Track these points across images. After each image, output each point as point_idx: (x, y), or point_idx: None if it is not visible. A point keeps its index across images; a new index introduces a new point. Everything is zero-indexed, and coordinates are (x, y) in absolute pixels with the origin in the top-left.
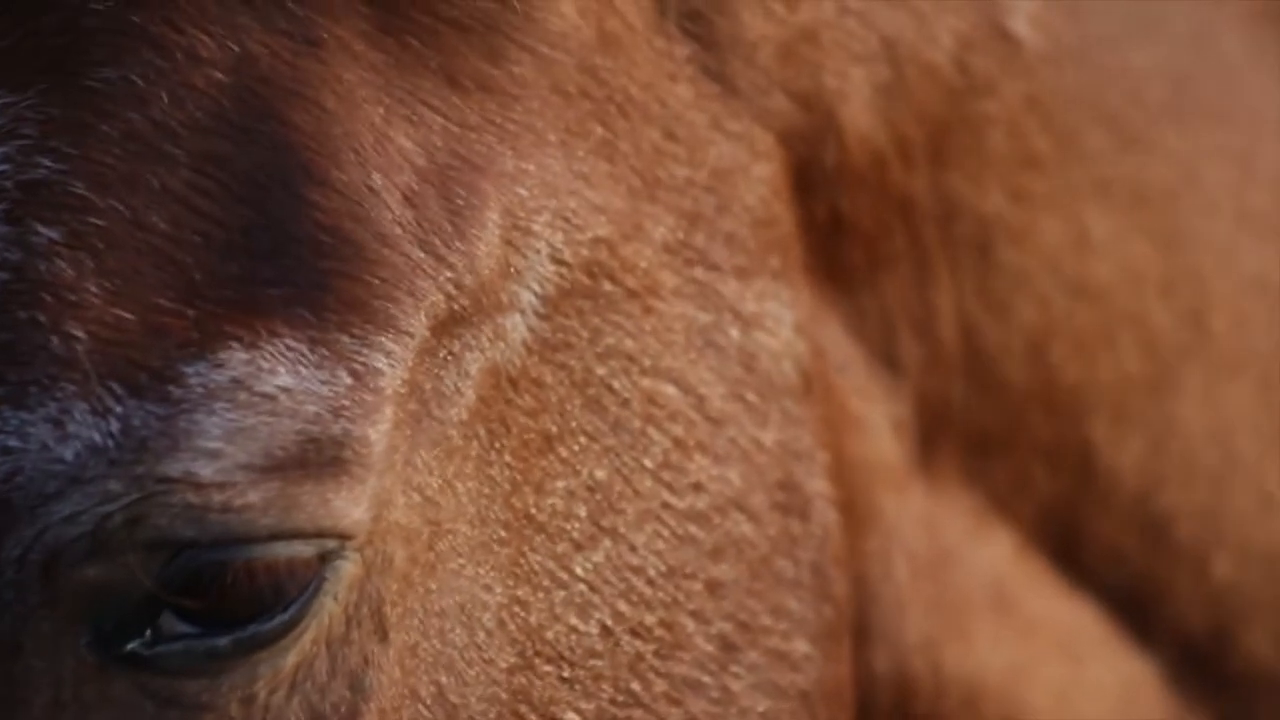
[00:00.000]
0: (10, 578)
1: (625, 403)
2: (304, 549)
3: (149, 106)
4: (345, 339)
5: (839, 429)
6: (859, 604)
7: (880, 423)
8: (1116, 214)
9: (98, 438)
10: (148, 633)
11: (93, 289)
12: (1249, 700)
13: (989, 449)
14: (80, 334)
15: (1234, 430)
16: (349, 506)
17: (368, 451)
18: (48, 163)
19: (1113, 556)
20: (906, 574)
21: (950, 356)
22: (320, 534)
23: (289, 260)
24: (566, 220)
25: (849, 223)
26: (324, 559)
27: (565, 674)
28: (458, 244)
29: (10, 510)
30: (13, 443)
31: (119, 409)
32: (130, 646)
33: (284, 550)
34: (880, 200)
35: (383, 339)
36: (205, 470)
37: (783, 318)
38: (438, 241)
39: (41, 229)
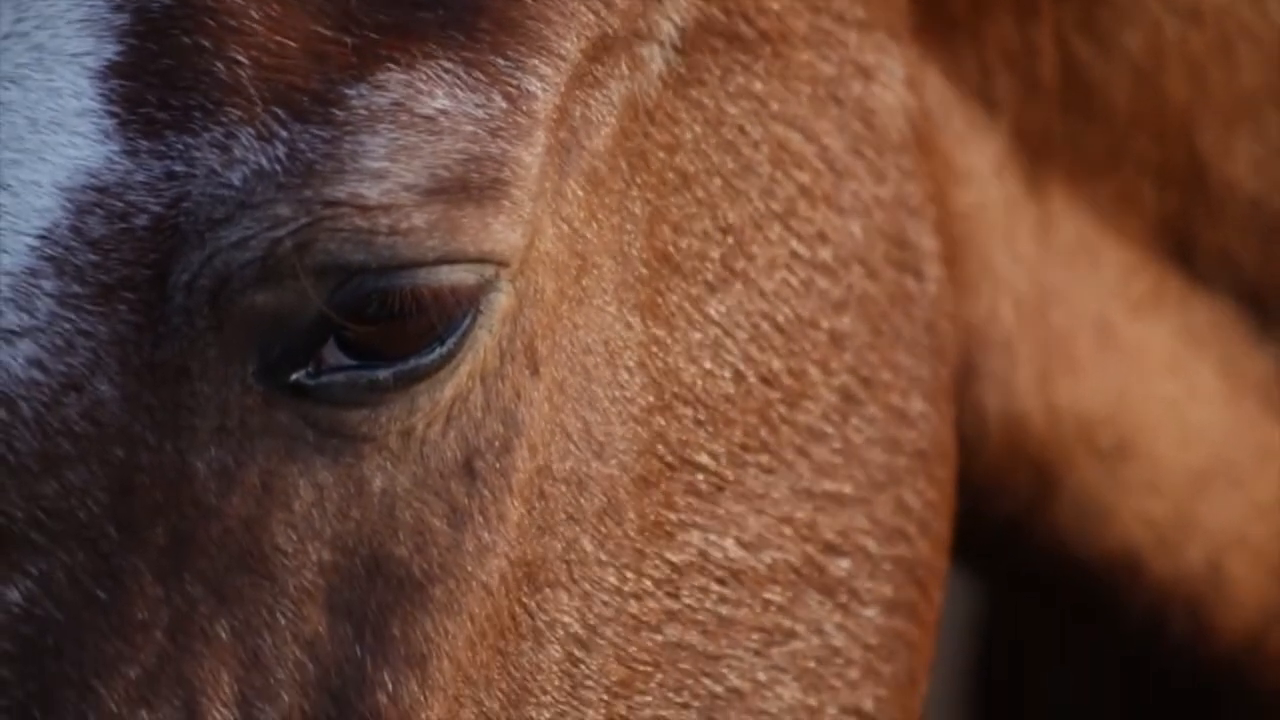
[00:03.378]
0: (179, 303)
1: (756, 145)
2: (465, 274)
3: None
4: (500, 61)
5: (944, 183)
6: (967, 348)
7: (983, 169)
8: None
9: (265, 162)
10: (311, 365)
11: (255, 15)
12: None
13: (1094, 172)
14: (244, 59)
15: None
16: (506, 231)
17: (524, 173)
18: None
19: (1229, 259)
20: (1014, 316)
21: (1049, 90)
22: (481, 258)
23: None
24: None
25: None
26: (482, 288)
27: (700, 416)
28: None
29: (179, 235)
30: (178, 168)
31: (284, 133)
32: (295, 376)
33: (447, 275)
34: None
35: (536, 62)
36: (371, 191)
37: (896, 72)
38: None
39: None
